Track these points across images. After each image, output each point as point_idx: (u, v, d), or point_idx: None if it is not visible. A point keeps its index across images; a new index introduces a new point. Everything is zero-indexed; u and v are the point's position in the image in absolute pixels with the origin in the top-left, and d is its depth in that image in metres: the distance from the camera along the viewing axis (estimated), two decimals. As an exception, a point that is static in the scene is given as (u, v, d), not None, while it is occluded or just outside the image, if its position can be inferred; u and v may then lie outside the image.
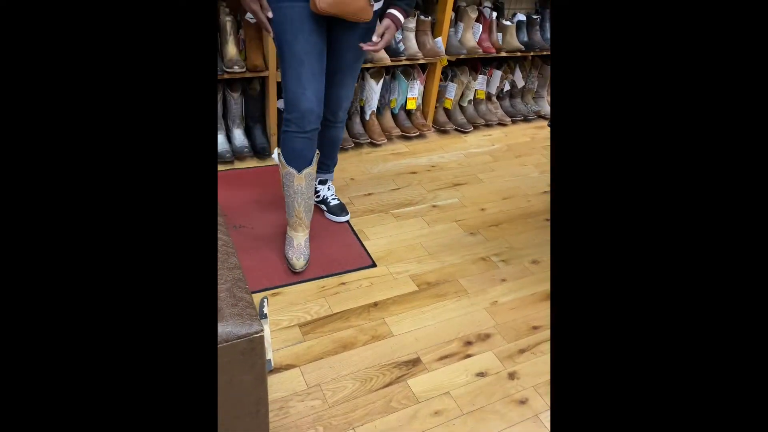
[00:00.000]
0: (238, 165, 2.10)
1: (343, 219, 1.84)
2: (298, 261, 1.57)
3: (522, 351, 1.44)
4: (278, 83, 2.09)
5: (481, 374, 1.36)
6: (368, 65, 2.24)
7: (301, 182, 1.50)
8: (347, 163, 2.23)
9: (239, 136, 2.13)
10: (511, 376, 1.37)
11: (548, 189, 2.22)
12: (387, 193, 2.06)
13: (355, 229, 1.83)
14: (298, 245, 1.59)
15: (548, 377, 1.38)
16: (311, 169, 1.49)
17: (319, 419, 1.20)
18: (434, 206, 2.02)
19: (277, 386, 1.26)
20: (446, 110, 2.62)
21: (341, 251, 1.71)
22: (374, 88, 2.30)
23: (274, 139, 2.19)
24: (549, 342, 1.48)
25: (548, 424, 1.26)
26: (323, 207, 1.86)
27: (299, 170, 1.48)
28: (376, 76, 2.30)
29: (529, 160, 2.43)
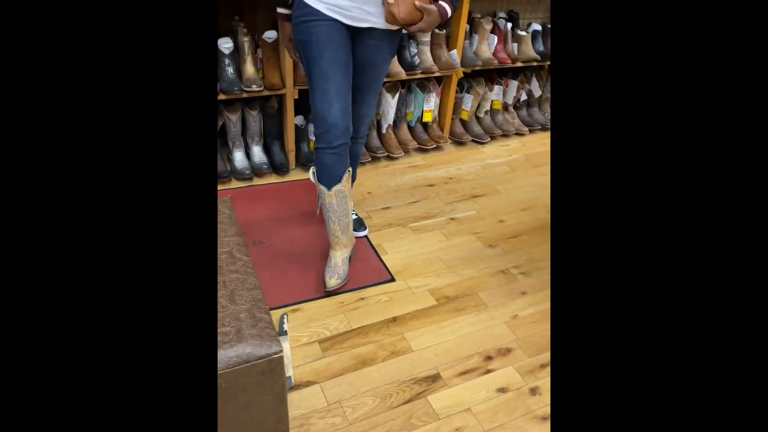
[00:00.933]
0: (257, 181, 2.13)
1: (361, 234, 1.84)
2: (330, 279, 1.56)
3: (543, 366, 1.42)
4: (295, 100, 2.12)
5: (502, 390, 1.35)
6: (384, 79, 2.25)
7: (332, 200, 1.50)
8: (364, 177, 2.24)
9: (258, 152, 2.17)
10: (533, 391, 1.35)
11: (568, 199, 2.20)
12: (405, 206, 2.07)
13: (373, 243, 1.84)
14: (335, 264, 1.59)
15: (571, 393, 1.35)
16: (342, 186, 1.49)
17: (339, 437, 1.20)
18: (452, 219, 2.02)
19: (297, 403, 1.27)
20: (463, 121, 2.62)
21: (360, 266, 1.72)
22: (390, 102, 2.31)
23: (292, 155, 2.22)
24: (571, 356, 1.46)
25: (572, 442, 1.23)
26: None
27: (329, 187, 1.48)
28: (392, 90, 2.32)
29: (547, 170, 2.41)
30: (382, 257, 1.77)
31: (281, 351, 0.87)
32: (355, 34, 1.37)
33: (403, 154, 2.40)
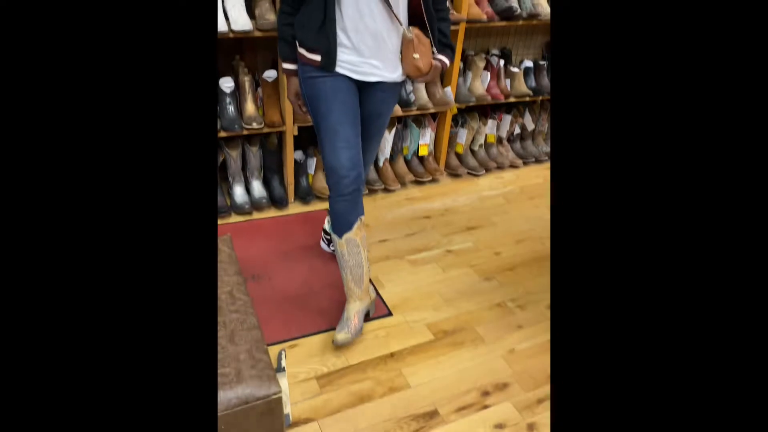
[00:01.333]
0: (256, 215, 2.17)
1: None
2: (339, 334, 1.49)
3: (541, 401, 1.43)
4: (295, 137, 2.17)
5: (499, 426, 1.35)
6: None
7: (343, 249, 1.47)
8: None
9: (258, 187, 2.21)
10: (530, 427, 1.35)
11: (562, 231, 2.23)
12: (402, 238, 2.09)
13: (371, 276, 1.86)
14: (347, 318, 1.53)
15: (568, 428, 1.36)
16: (353, 235, 1.46)
17: (337, 476, 1.20)
18: (449, 251, 2.04)
19: (295, 441, 1.27)
20: (458, 155, 2.67)
21: (357, 300, 1.74)
22: (387, 137, 2.37)
23: (291, 189, 2.26)
24: (568, 391, 1.47)
25: (570, 479, 1.23)
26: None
27: (339, 235, 1.46)
28: (389, 125, 2.38)
29: (542, 202, 2.45)
30: (380, 291, 1.79)
31: (280, 392, 0.89)
32: (363, 87, 1.42)
33: (399, 186, 2.44)
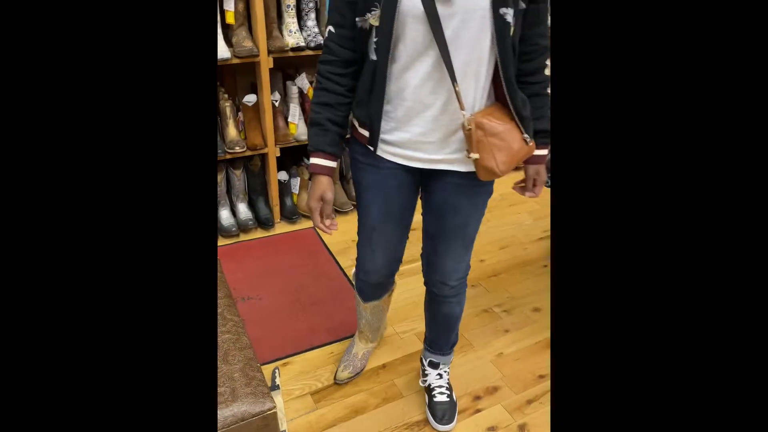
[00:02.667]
0: (243, 237, 2.19)
1: (445, 428, 1.36)
2: (342, 371, 1.48)
3: (530, 402, 1.47)
4: (278, 158, 2.22)
5: (491, 429, 1.39)
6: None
7: (366, 311, 1.40)
8: (349, 225, 2.32)
9: (243, 209, 2.24)
10: (521, 428, 1.39)
11: (543, 235, 2.29)
12: (388, 252, 2.14)
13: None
14: (354, 354, 1.51)
15: (558, 427, 1.40)
16: (380, 302, 1.38)
17: (335, 488, 1.22)
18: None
19: (293, 457, 1.29)
20: (439, 166, 2.73)
21: (347, 315, 1.77)
22: (368, 153, 2.42)
23: (276, 209, 2.30)
24: (556, 390, 1.51)
25: (562, 476, 1.27)
26: (426, 398, 1.42)
27: (365, 300, 1.37)
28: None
29: (522, 208, 2.52)
30: (369, 304, 1.83)
31: (274, 407, 0.92)
32: (430, 173, 1.09)
33: (330, 224, 2.49)
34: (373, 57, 0.97)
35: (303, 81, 2.23)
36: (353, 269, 1.36)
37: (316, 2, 2.14)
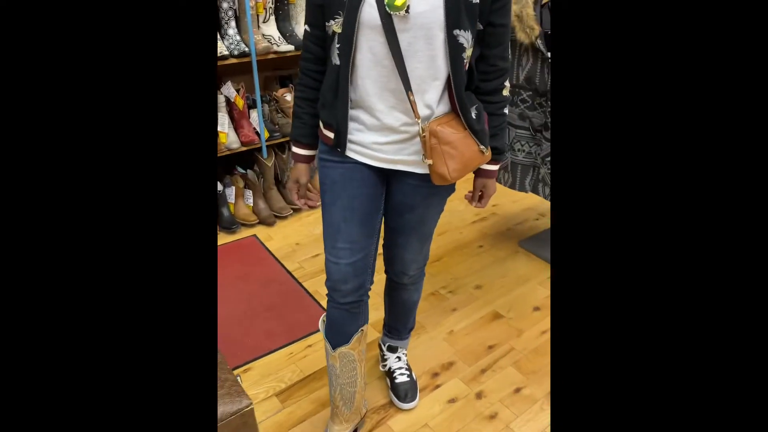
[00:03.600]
0: (183, 252, 2.14)
1: (408, 406, 1.44)
2: None
3: (483, 371, 1.59)
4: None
5: (452, 400, 1.48)
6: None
7: (335, 362, 1.23)
8: (291, 229, 2.34)
9: (180, 224, 2.19)
10: (479, 395, 1.50)
11: (476, 219, 2.44)
12: (333, 251, 2.18)
13: (309, 290, 1.93)
14: None
15: (510, 389, 1.52)
16: (349, 349, 1.21)
17: (313, 479, 1.26)
18: (379, 254, 2.16)
19: (267, 458, 1.31)
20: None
21: (301, 315, 1.80)
22: (302, 156, 2.45)
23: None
24: (505, 357, 1.64)
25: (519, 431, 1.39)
26: (387, 381, 1.50)
27: (333, 347, 1.22)
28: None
29: (454, 196, 2.65)
30: (321, 303, 1.87)
31: (251, 403, 0.94)
32: (392, 173, 1.13)
33: (305, 202, 2.53)
34: (336, 62, 1.01)
35: (229, 90, 2.22)
36: (322, 316, 1.28)
37: (235, 10, 2.13)
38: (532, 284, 1.98)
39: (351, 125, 1.07)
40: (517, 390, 1.52)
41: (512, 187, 1.96)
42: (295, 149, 1.17)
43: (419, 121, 1.00)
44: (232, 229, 2.28)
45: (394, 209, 1.18)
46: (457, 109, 1.02)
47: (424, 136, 1.00)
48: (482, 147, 1.06)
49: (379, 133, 1.05)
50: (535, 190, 1.93)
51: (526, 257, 2.15)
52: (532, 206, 2.55)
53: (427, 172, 1.08)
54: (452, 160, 1.02)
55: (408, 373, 1.48)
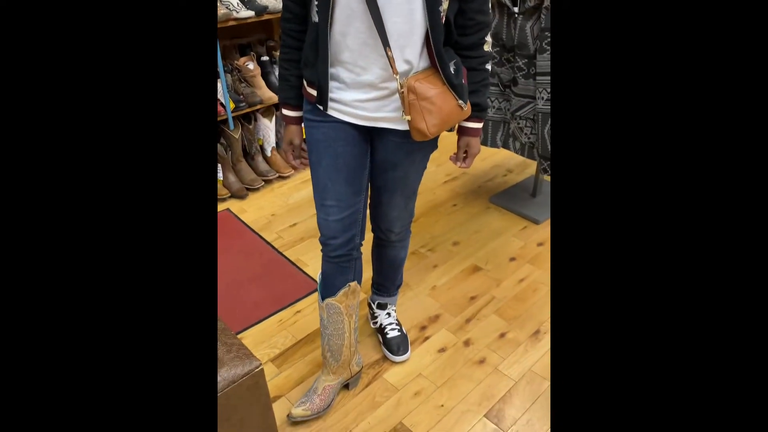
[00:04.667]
0: (156, 231, 2.10)
1: (401, 358, 1.50)
2: (296, 408, 1.31)
3: (468, 320, 1.66)
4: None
5: (442, 350, 1.56)
6: (258, 107, 2.35)
7: (323, 313, 1.29)
8: (264, 200, 2.32)
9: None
10: (466, 343, 1.58)
11: (447, 179, 2.49)
12: (309, 219, 2.19)
13: (291, 259, 1.94)
14: (313, 390, 1.35)
15: (495, 335, 1.61)
16: (335, 301, 1.25)
17: (318, 434, 1.31)
18: (356, 219, 2.19)
19: (270, 419, 1.35)
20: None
21: (286, 283, 1.82)
22: (269, 125, 2.41)
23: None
24: (487, 306, 1.72)
25: (507, 373, 1.48)
26: (379, 337, 1.56)
27: (322, 298, 1.28)
28: (268, 114, 2.42)
29: (424, 157, 2.69)
30: (305, 269, 1.88)
31: (260, 364, 0.97)
32: (375, 131, 1.16)
33: (293, 171, 2.51)
34: (316, 19, 1.01)
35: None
36: (319, 274, 1.30)
37: (188, -25, 2.03)
38: (506, 237, 2.06)
39: (332, 83, 1.07)
40: (502, 335, 1.61)
41: (484, 143, 2.01)
42: (285, 111, 1.19)
43: (398, 77, 1.01)
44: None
45: (378, 167, 1.21)
46: (436, 63, 1.02)
47: (403, 92, 1.01)
48: (461, 102, 1.07)
49: (360, 90, 1.06)
50: (506, 145, 1.99)
51: (497, 212, 2.22)
52: (499, 163, 2.62)
53: (407, 128, 1.10)
54: (431, 115, 1.03)
55: (398, 328, 1.54)
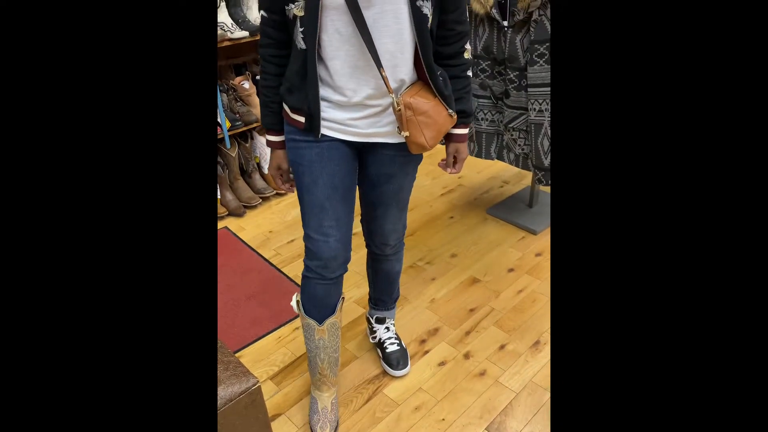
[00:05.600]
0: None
1: (401, 373, 1.50)
2: (323, 431, 1.32)
3: (468, 333, 1.66)
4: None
5: (442, 363, 1.55)
6: (254, 125, 2.37)
7: (323, 335, 1.25)
8: (262, 218, 2.33)
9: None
10: (466, 356, 1.57)
11: (444, 191, 2.50)
12: (307, 235, 2.19)
13: (289, 276, 1.94)
14: (323, 409, 1.34)
15: (496, 347, 1.60)
16: (335, 318, 1.25)
17: (318, 452, 1.29)
18: (354, 233, 2.19)
19: (270, 438, 1.34)
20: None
21: (285, 300, 1.81)
22: (265, 143, 2.43)
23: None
24: (487, 318, 1.72)
25: (508, 385, 1.47)
26: (378, 352, 1.56)
27: (320, 321, 1.24)
28: (264, 132, 2.44)
29: (420, 171, 2.71)
30: (303, 286, 1.88)
31: (258, 382, 0.96)
32: (365, 147, 1.15)
33: (289, 187, 2.52)
34: (302, 46, 1.00)
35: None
36: (294, 297, 1.29)
37: (183, -2, 2.06)
38: (504, 248, 2.06)
39: (322, 104, 1.07)
40: (502, 347, 1.60)
41: (478, 155, 2.02)
42: (269, 137, 1.18)
43: (393, 96, 1.02)
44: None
45: (371, 182, 1.21)
46: (427, 77, 1.04)
47: (399, 110, 1.02)
48: (450, 111, 1.09)
49: (351, 109, 1.07)
50: (500, 157, 2.00)
51: (495, 223, 2.23)
52: (495, 175, 2.63)
53: (402, 140, 1.11)
54: (428, 128, 1.05)
55: (398, 342, 1.54)
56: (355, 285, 1.88)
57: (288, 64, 1.07)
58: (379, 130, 1.10)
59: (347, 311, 1.76)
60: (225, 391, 0.93)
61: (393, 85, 1.03)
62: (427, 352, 1.59)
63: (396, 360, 1.50)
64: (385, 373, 1.51)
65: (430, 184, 2.57)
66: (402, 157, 1.17)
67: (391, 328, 1.55)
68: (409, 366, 1.52)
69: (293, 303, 1.28)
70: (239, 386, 0.94)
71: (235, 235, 2.21)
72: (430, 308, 1.76)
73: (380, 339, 1.54)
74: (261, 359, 1.58)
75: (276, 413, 1.40)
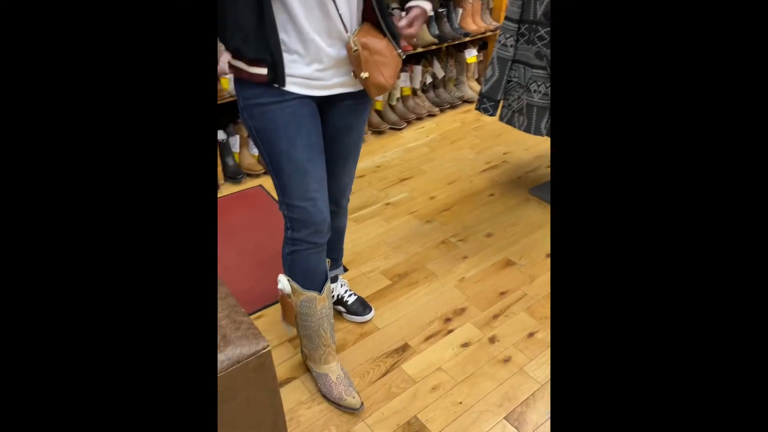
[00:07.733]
0: (189, 203, 2.11)
1: (367, 317, 1.54)
2: (353, 398, 1.27)
3: (496, 316, 1.58)
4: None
5: (465, 345, 1.48)
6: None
7: (325, 303, 1.21)
8: (296, 179, 2.29)
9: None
10: (492, 340, 1.50)
11: (486, 167, 2.39)
12: (340, 200, 2.14)
13: (318, 240, 1.90)
14: (339, 378, 1.29)
15: (524, 334, 1.52)
16: (331, 285, 1.25)
17: (329, 420, 1.27)
18: (387, 204, 2.12)
19: (283, 400, 1.32)
20: (378, 111, 2.73)
21: (311, 263, 1.78)
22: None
23: (219, 170, 2.22)
24: (518, 303, 1.63)
25: (533, 375, 1.39)
26: (341, 308, 1.55)
27: (320, 290, 1.19)
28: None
29: (463, 144, 2.59)
30: (331, 251, 1.85)
31: (268, 345, 0.93)
32: (324, 101, 1.10)
33: None
34: None
35: (229, 32, 2.11)
36: (280, 280, 1.19)
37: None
38: (544, 231, 1.95)
39: (287, 56, 1.00)
40: (531, 335, 1.52)
41: (527, 130, 1.89)
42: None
43: (349, 35, 1.00)
44: (237, 179, 2.24)
45: (332, 136, 1.18)
46: (377, 18, 1.02)
47: (356, 50, 1.00)
48: (399, 51, 1.06)
49: (314, 60, 1.01)
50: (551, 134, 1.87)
51: (537, 205, 2.11)
52: (543, 153, 2.48)
53: (360, 88, 1.09)
54: (385, 67, 1.04)
55: (352, 292, 1.57)
56: (383, 256, 1.83)
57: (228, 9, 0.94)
58: (341, 80, 1.07)
59: (372, 282, 1.71)
60: (232, 352, 0.90)
61: (347, 25, 1.01)
62: (450, 331, 1.53)
63: (361, 306, 1.54)
64: (404, 349, 1.46)
65: (473, 159, 2.45)
66: (360, 105, 1.16)
67: (345, 283, 1.57)
68: (373, 311, 1.56)
69: (282, 286, 1.19)
70: (248, 348, 0.91)
71: (268, 193, 2.19)
72: (459, 287, 1.69)
73: (339, 295, 1.55)
74: (280, 321, 1.56)
75: (290, 377, 1.38)
